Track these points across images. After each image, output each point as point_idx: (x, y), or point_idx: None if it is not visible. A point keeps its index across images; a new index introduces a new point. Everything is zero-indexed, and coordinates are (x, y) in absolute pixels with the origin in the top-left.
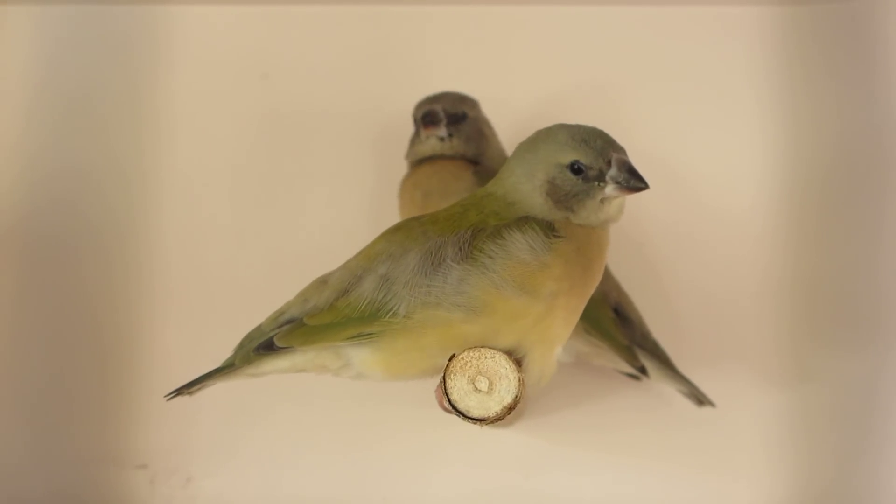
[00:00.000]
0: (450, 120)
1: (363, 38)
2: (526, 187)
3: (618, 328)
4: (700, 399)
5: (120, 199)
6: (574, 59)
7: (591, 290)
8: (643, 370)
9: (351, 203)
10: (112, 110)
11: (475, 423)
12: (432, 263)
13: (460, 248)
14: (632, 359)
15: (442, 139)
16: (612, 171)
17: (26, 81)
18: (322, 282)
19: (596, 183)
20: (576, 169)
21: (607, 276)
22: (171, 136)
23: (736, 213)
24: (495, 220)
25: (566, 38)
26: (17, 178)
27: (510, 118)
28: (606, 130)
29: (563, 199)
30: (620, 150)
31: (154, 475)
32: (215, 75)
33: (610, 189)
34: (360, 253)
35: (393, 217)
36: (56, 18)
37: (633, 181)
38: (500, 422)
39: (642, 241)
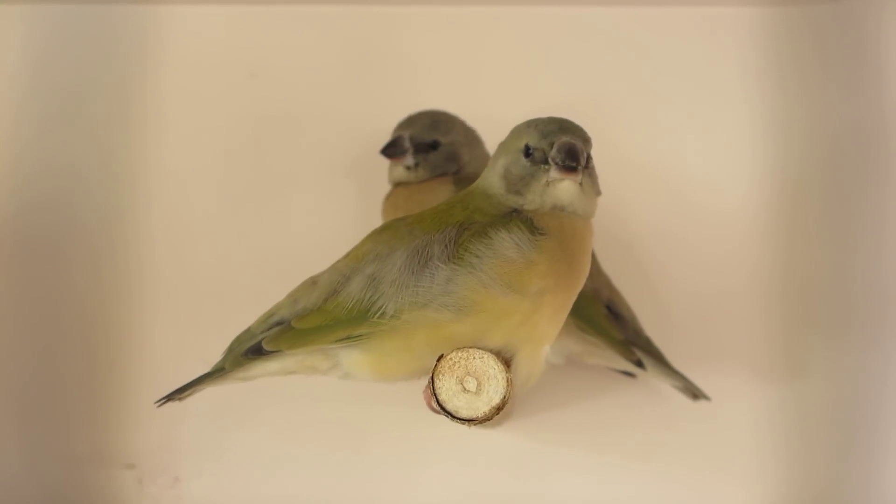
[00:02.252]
0: (418, 148)
1: (352, 38)
2: (491, 175)
3: (611, 324)
4: (695, 393)
5: (108, 199)
6: (563, 61)
7: (578, 288)
8: (640, 364)
9: (340, 203)
10: (100, 109)
11: (463, 424)
12: (419, 262)
13: (446, 246)
14: (628, 353)
15: (408, 168)
16: (553, 153)
17: (14, 80)
18: (312, 282)
19: (542, 166)
20: (527, 153)
21: (598, 274)
22: (159, 135)
23: (726, 211)
24: (480, 215)
25: (555, 39)
26: (5, 176)
27: (499, 119)
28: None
29: (514, 183)
30: (576, 135)
31: (142, 475)
32: (203, 74)
33: (553, 171)
34: (348, 254)
35: (381, 218)
36: (44, 17)
37: (568, 161)
38: (488, 422)
39: (633, 240)
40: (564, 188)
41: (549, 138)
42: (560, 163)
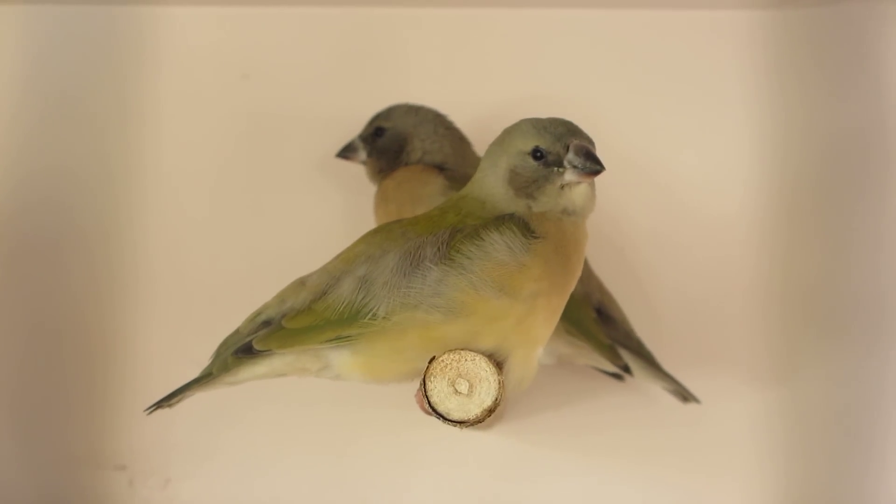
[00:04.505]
0: (367, 141)
1: (343, 39)
2: (490, 179)
3: (599, 328)
4: (685, 396)
5: (103, 199)
6: (560, 63)
7: (571, 289)
8: (626, 369)
9: (332, 205)
10: (95, 110)
11: (455, 426)
12: (411, 263)
13: (438, 248)
14: (614, 357)
15: (364, 162)
16: (570, 156)
17: (9, 81)
18: (300, 283)
19: (555, 168)
20: (537, 155)
21: (590, 276)
22: (151, 136)
23: (721, 214)
24: (472, 220)
25: (552, 42)
26: (1, 177)
27: (493, 122)
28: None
29: (523, 186)
30: (584, 138)
31: (133, 476)
32: (195, 75)
33: (569, 174)
34: (340, 255)
35: (373, 219)
36: (38, 19)
37: (590, 164)
38: (480, 424)
39: (626, 242)
40: (580, 191)
41: (562, 141)
42: (581, 166)
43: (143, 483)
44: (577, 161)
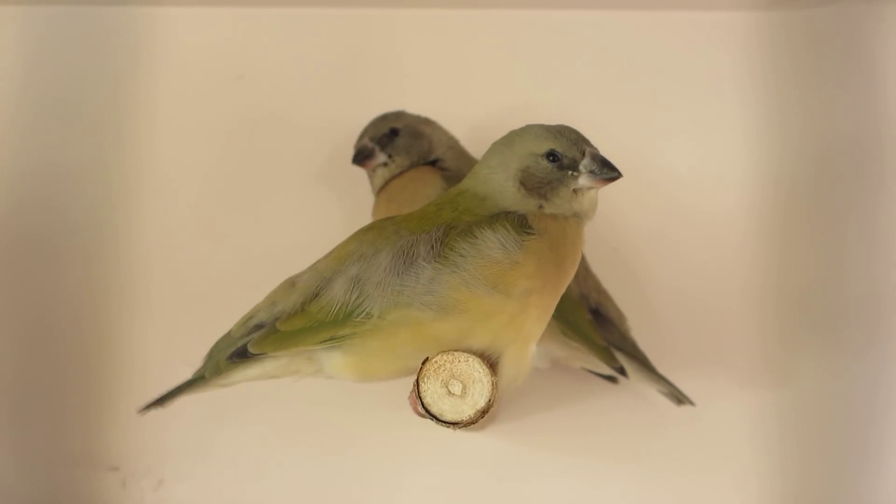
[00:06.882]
0: (382, 143)
1: (338, 40)
2: (499, 177)
3: (595, 330)
4: (679, 398)
5: (97, 199)
6: (557, 64)
7: (564, 288)
8: (622, 371)
9: (326, 205)
10: (89, 110)
11: (448, 427)
12: (404, 262)
13: (432, 247)
14: (610, 359)
15: (385, 164)
16: (586, 161)
17: (3, 81)
18: (290, 284)
19: (570, 172)
20: (551, 158)
21: (586, 276)
22: (147, 136)
23: (717, 215)
24: (469, 216)
25: (548, 43)
26: None
27: (490, 124)
28: (589, 132)
29: (536, 186)
30: (593, 146)
31: (126, 477)
32: (191, 76)
33: (583, 179)
34: (331, 254)
35: (368, 219)
36: (32, 19)
37: (607, 171)
38: (473, 425)
39: (621, 243)
40: (591, 197)
41: (578, 146)
42: (598, 172)
43: (136, 484)
44: (594, 167)
